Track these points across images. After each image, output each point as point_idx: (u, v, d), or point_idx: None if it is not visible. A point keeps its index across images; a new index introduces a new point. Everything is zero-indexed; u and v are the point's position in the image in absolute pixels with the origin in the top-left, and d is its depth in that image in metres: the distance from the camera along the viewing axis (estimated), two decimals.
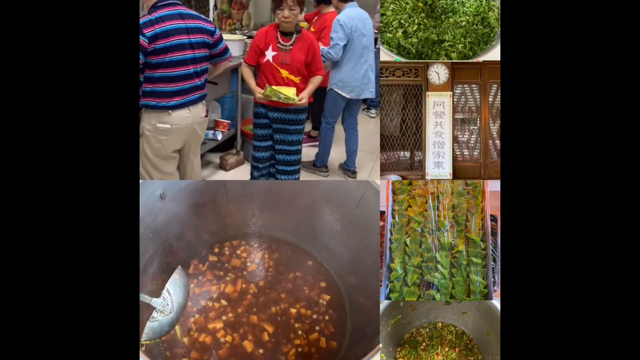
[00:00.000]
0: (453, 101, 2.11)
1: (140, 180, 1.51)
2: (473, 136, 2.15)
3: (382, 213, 1.78)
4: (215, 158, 3.63)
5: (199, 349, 1.56)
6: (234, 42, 3.95)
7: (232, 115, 3.74)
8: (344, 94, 3.39)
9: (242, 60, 3.77)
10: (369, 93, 3.48)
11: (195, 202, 1.79)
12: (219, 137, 3.50)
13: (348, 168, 3.68)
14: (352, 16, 3.33)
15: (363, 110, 5.23)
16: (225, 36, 3.90)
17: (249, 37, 4.43)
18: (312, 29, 4.06)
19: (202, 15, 2.25)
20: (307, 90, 2.53)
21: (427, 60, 2.13)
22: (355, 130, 3.64)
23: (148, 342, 1.41)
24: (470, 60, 2.11)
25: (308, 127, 4.60)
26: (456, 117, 2.13)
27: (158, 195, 1.67)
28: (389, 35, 2.18)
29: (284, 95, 2.40)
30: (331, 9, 3.86)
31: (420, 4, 2.21)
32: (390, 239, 1.74)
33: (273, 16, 5.48)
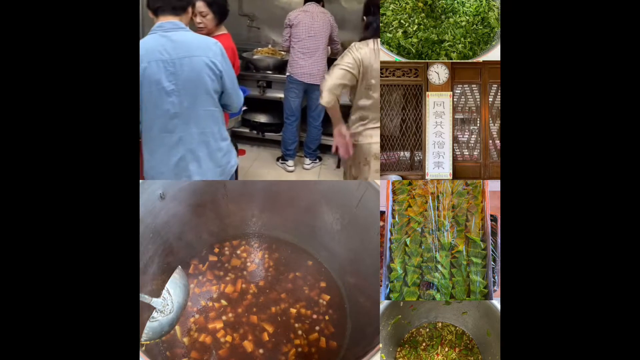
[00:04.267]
0: (453, 101, 2.11)
1: (141, 181, 1.51)
2: (473, 136, 2.15)
3: (382, 213, 1.77)
4: None
5: (199, 349, 1.56)
6: None
7: None
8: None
9: None
10: None
11: (195, 202, 1.79)
12: None
13: None
14: (149, 49, 1.70)
15: (278, 160, 4.13)
16: None
17: None
18: None
19: None
20: None
21: (427, 60, 2.13)
22: None
23: (148, 342, 1.41)
24: (470, 60, 2.11)
25: None
26: (456, 117, 2.13)
27: (158, 195, 1.67)
28: (389, 35, 2.18)
29: None
30: (224, 30, 2.60)
31: (420, 4, 2.21)
32: (390, 239, 1.74)
33: None
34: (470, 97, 2.14)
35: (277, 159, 4.13)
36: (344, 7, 4.50)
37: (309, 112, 3.91)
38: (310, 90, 3.79)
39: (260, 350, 1.57)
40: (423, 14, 2.20)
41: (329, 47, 3.89)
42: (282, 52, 4.23)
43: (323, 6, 3.84)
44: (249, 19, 4.78)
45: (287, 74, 3.80)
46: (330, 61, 4.08)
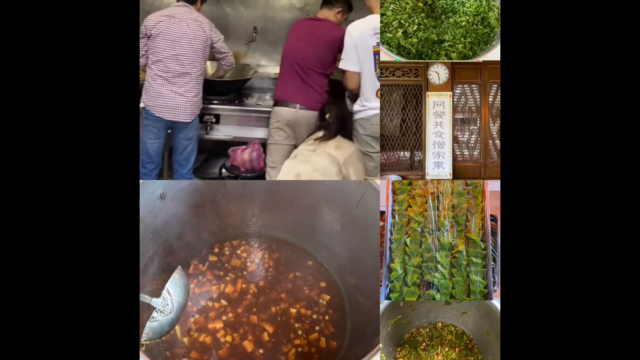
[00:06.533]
0: (453, 101, 2.11)
1: (140, 181, 1.51)
2: (473, 136, 2.14)
3: (382, 213, 1.77)
4: None
5: (199, 349, 1.56)
6: None
7: None
8: None
9: None
10: None
11: (195, 202, 1.79)
12: None
13: None
14: None
15: None
16: None
17: None
18: None
19: None
20: None
21: (427, 60, 2.13)
22: None
23: (148, 342, 1.41)
24: (470, 60, 2.11)
25: None
26: (456, 117, 2.13)
27: (158, 195, 1.67)
28: (389, 35, 2.18)
29: None
30: None
31: (420, 4, 2.21)
32: (390, 239, 1.74)
33: None
34: (470, 97, 2.14)
35: None
36: (226, 11, 3.53)
37: (175, 156, 2.77)
38: (177, 129, 2.67)
39: (260, 350, 1.57)
40: (423, 14, 2.20)
41: (218, 64, 2.92)
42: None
43: (199, 8, 2.70)
44: None
45: (142, 105, 2.61)
46: (210, 83, 2.85)
